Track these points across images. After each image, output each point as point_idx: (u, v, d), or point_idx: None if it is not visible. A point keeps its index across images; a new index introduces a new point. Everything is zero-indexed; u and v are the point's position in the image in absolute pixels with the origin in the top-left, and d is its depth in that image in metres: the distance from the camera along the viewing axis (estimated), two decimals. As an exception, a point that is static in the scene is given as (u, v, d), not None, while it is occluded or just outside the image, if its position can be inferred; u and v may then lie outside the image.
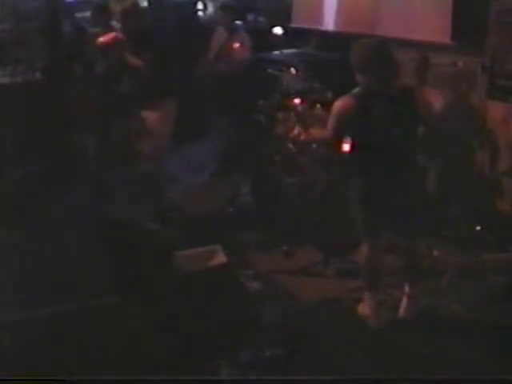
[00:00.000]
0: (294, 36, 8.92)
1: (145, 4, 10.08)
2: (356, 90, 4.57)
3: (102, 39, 6.08)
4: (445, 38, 6.51)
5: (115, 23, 6.33)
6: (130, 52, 5.96)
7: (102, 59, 6.44)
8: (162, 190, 6.44)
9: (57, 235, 5.90)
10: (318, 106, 6.35)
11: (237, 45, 7.67)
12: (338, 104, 4.61)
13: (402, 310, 4.79)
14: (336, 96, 6.38)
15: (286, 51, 8.55)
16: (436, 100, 5.76)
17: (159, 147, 6.26)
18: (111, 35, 6.00)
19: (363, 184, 4.63)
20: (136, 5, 6.39)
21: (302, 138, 6.18)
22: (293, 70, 7.55)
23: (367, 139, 4.53)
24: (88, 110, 7.22)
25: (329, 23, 8.17)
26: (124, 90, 6.12)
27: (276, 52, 8.53)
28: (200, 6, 10.46)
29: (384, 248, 4.96)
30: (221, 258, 4.59)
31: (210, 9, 10.40)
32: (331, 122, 4.63)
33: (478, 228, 5.81)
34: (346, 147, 5.91)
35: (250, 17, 9.88)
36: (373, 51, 4.52)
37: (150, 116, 6.13)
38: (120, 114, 6.27)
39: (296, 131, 6.26)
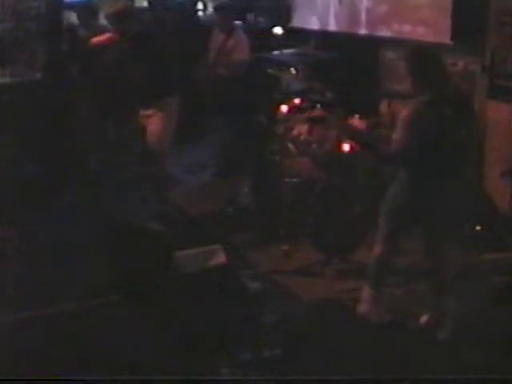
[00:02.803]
0: (293, 36, 8.92)
1: (145, 4, 10.10)
2: (421, 96, 4.45)
3: (97, 39, 6.10)
4: (445, 39, 6.52)
5: (108, 25, 6.31)
6: (125, 52, 5.95)
7: (97, 59, 6.47)
8: (165, 188, 6.44)
9: (57, 235, 5.91)
10: (318, 105, 6.35)
11: (233, 46, 7.63)
12: (410, 110, 4.47)
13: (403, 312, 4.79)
14: (336, 96, 6.44)
15: (286, 51, 8.55)
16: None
17: (161, 147, 6.27)
18: (106, 35, 6.01)
19: (407, 187, 4.53)
20: (128, 7, 6.38)
21: (302, 137, 6.18)
22: (293, 70, 7.55)
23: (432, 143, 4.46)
24: (87, 109, 7.24)
25: (329, 23, 8.19)
26: (121, 90, 6.14)
27: (276, 52, 8.53)
28: (200, 6, 10.47)
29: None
30: (221, 258, 4.59)
31: (210, 9, 10.40)
32: (403, 129, 4.46)
33: (478, 228, 5.82)
34: (346, 147, 5.94)
35: (249, 17, 9.88)
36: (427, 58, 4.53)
37: (152, 115, 6.12)
38: (119, 114, 6.28)
39: (296, 131, 6.26)
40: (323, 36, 8.48)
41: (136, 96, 6.06)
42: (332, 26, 8.14)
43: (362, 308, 4.80)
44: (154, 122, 6.14)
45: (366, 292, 4.78)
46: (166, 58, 6.32)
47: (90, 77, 7.12)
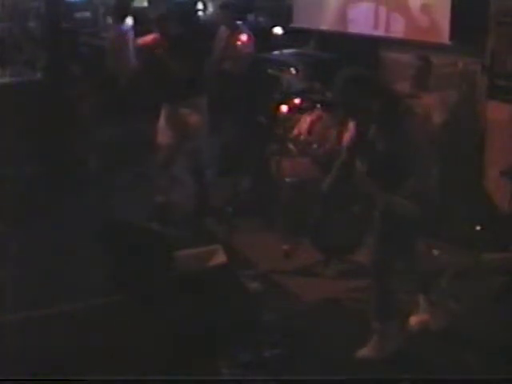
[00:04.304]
0: (293, 36, 8.92)
1: (145, 4, 10.12)
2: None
3: (142, 39, 6.23)
4: (443, 39, 6.53)
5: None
6: (167, 53, 6.05)
7: (141, 59, 6.55)
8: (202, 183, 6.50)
9: (59, 235, 5.92)
10: (318, 105, 6.35)
11: (241, 40, 7.70)
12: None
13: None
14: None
15: (286, 51, 8.55)
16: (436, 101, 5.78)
17: (198, 143, 6.35)
18: (151, 36, 6.13)
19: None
20: (172, 11, 6.52)
21: (302, 137, 6.19)
22: (293, 70, 7.55)
23: None
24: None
25: (329, 23, 8.19)
26: (162, 88, 6.24)
27: (276, 52, 8.53)
28: (200, 5, 10.48)
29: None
30: (221, 258, 4.59)
31: (210, 9, 10.41)
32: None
33: (478, 228, 5.82)
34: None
35: (250, 17, 9.88)
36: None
37: (188, 113, 6.20)
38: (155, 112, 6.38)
39: (296, 131, 6.27)
40: (323, 36, 8.48)
41: (175, 93, 6.14)
42: (332, 26, 8.15)
43: (382, 345, 4.38)
44: (191, 118, 6.19)
45: (375, 327, 4.41)
46: (201, 57, 6.41)
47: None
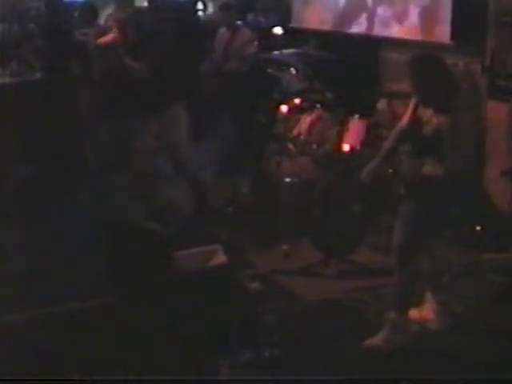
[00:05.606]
0: (293, 36, 8.93)
1: (145, 4, 10.11)
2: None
3: (100, 40, 6.08)
4: (444, 39, 6.53)
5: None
6: (129, 54, 5.92)
7: (100, 59, 6.44)
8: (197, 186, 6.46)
9: (57, 235, 5.92)
10: (318, 105, 6.36)
11: (243, 41, 7.70)
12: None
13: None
14: (336, 96, 6.44)
15: (286, 51, 8.56)
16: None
17: (176, 150, 6.26)
18: (110, 36, 5.99)
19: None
20: (134, 15, 6.42)
21: (302, 137, 6.20)
22: (293, 70, 7.56)
23: None
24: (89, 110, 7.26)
25: (329, 23, 8.20)
26: (124, 92, 6.12)
27: (276, 52, 8.53)
28: (200, 6, 10.48)
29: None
30: (221, 258, 4.59)
31: (210, 9, 10.42)
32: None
33: (478, 228, 5.82)
34: (346, 147, 5.95)
35: (250, 17, 9.89)
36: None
37: (162, 122, 6.06)
38: (124, 116, 6.27)
39: (296, 131, 6.27)
40: (323, 36, 8.48)
41: (141, 97, 6.00)
42: (332, 26, 8.15)
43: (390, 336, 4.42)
44: (166, 128, 6.07)
45: (390, 317, 4.43)
46: (169, 59, 6.26)
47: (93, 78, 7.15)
